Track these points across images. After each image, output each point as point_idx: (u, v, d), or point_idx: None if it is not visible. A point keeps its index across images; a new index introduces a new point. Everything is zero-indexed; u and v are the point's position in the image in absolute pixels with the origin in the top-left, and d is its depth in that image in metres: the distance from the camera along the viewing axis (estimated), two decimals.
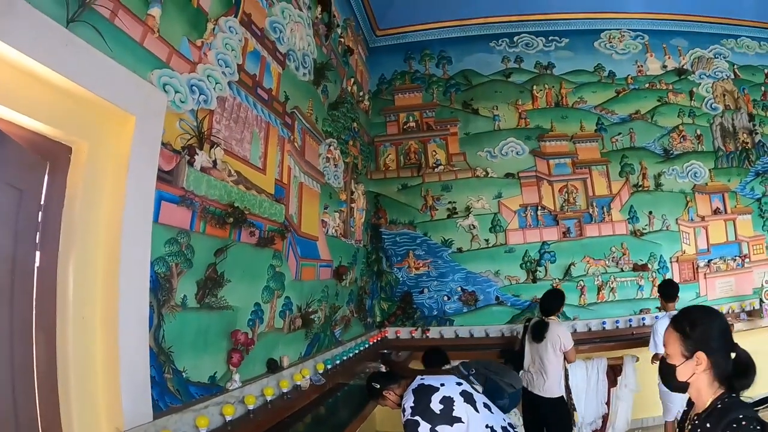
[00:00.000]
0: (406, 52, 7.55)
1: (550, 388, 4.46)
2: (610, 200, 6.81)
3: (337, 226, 5.33)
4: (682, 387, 1.76)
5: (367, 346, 5.60)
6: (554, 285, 6.52)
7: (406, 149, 7.23)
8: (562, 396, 4.61)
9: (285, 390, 3.34)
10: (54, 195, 2.09)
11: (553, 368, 4.50)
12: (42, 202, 2.05)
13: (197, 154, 2.73)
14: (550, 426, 4.56)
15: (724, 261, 6.68)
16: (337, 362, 4.51)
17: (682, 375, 1.74)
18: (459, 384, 2.65)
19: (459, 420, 2.46)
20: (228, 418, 2.64)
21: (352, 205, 5.96)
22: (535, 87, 7.20)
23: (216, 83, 2.99)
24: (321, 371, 4.01)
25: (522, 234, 6.80)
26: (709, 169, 6.89)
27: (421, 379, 2.66)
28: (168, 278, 2.47)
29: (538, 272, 6.65)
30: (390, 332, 6.67)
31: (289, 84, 4.15)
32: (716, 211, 6.79)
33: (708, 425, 1.64)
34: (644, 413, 5.81)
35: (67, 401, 2.01)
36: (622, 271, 6.63)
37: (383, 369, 2.79)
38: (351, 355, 4.94)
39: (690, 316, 1.78)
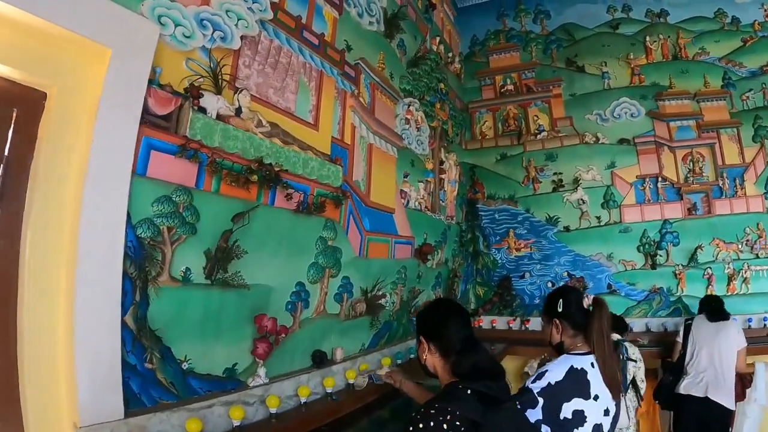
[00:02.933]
0: (498, 10, 6.88)
1: (729, 393, 3.72)
2: (742, 170, 5.62)
3: (422, 198, 4.81)
4: (429, 372, 1.83)
5: None
6: (677, 273, 5.54)
7: (504, 115, 6.58)
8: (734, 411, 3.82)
9: (330, 390, 2.75)
10: (21, 147, 1.79)
11: (732, 369, 3.80)
12: (6, 154, 1.75)
13: (202, 97, 2.26)
14: None
15: None
16: (411, 356, 3.89)
17: (420, 358, 1.84)
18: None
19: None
20: (235, 423, 2.10)
21: (442, 176, 5.43)
22: (647, 38, 6.18)
23: (239, 19, 2.56)
24: (387, 366, 3.38)
25: (639, 210, 5.86)
26: None
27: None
28: (157, 245, 2.01)
29: (658, 256, 5.65)
30: (485, 321, 6.04)
31: (350, 32, 3.68)
32: None
33: None
34: None
35: (23, 387, 1.72)
36: (758, 257, 5.39)
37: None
38: None
39: (418, 313, 1.98)
